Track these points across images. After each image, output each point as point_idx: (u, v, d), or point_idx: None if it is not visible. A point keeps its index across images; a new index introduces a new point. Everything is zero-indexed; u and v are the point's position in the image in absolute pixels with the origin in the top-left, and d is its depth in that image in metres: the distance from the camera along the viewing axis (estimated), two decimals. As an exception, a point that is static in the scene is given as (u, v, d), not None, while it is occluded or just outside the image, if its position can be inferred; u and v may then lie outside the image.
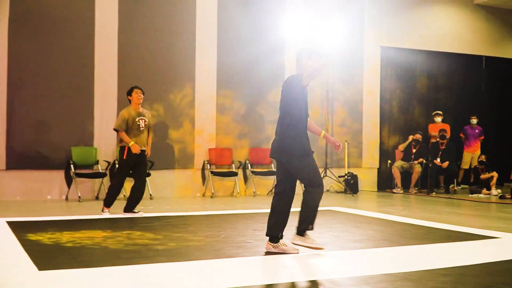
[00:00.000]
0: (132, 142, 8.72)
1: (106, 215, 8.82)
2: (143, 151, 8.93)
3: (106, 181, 11.57)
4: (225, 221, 8.28)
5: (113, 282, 4.57)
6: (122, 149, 8.86)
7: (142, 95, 9.06)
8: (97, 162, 11.63)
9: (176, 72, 12.40)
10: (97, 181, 11.63)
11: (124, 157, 8.81)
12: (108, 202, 9.00)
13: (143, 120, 8.97)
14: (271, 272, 5.07)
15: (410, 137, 14.19)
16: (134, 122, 8.87)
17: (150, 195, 11.68)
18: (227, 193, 12.82)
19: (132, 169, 9.00)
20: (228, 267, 5.19)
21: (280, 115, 6.10)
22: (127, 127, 8.84)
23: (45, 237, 6.59)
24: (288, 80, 6.05)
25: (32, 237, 6.60)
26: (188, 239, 6.62)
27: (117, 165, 9.71)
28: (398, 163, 14.09)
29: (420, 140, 14.12)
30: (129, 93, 9.09)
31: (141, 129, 8.92)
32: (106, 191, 9.29)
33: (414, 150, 14.06)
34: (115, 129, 8.95)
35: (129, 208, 8.94)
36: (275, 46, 13.31)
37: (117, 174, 9.35)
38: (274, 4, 13.33)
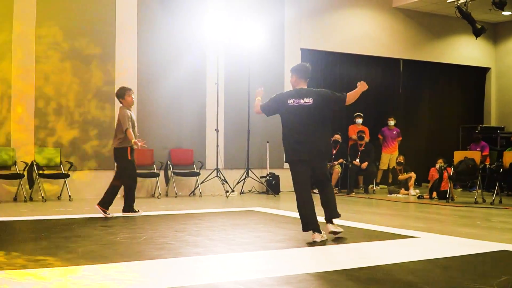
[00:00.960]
0: (135, 139, 8.75)
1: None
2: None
3: (24, 182, 11.31)
4: (146, 222, 8.24)
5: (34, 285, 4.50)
6: (124, 150, 8.87)
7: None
8: (15, 163, 11.35)
9: (96, 73, 12.24)
10: (15, 182, 11.33)
11: (129, 157, 8.92)
12: (130, 205, 9.06)
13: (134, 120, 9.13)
14: (193, 273, 5.08)
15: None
16: (133, 122, 9.02)
17: (70, 196, 11.50)
18: (149, 194, 12.76)
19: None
20: (149, 269, 5.19)
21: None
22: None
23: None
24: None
25: None
26: (109, 241, 6.56)
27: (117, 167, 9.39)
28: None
29: (340, 140, 14.36)
30: (123, 93, 9.06)
31: (135, 128, 9.06)
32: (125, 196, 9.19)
33: (334, 151, 14.29)
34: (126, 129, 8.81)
35: (129, 207, 9.03)
36: (196, 46, 13.31)
37: (130, 175, 9.14)
38: (195, 5, 13.33)
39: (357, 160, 14.14)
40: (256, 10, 13.95)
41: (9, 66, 11.48)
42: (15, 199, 11.30)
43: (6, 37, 11.46)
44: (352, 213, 9.88)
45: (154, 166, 12.57)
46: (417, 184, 14.79)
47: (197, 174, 12.92)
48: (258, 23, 13.59)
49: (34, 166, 11.37)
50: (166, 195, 12.74)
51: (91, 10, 12.28)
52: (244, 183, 13.32)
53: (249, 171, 13.25)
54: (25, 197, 11.24)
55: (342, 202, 11.86)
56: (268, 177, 13.69)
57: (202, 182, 12.88)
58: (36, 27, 11.68)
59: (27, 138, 11.59)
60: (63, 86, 11.95)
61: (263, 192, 13.72)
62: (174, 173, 12.76)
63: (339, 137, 14.37)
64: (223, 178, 12.81)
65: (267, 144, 13.84)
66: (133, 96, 9.17)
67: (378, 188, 15.08)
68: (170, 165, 12.81)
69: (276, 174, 13.78)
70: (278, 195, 13.30)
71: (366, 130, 14.73)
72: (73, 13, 12.10)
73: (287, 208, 10.53)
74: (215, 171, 12.88)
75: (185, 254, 5.84)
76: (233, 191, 13.00)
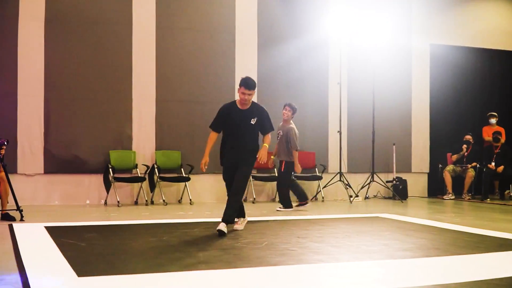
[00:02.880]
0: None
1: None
2: None
3: (146, 185, 11.70)
4: (267, 228, 8.29)
5: (153, 290, 4.63)
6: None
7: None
8: (135, 166, 11.76)
9: (215, 73, 12.48)
10: (136, 185, 11.75)
11: None
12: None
13: None
14: (315, 281, 5.06)
15: (464, 147, 13.96)
16: None
17: (190, 200, 11.76)
18: (270, 198, 12.86)
19: None
20: (270, 275, 5.22)
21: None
22: None
23: (84, 243, 6.69)
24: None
25: (71, 242, 6.71)
26: (229, 245, 6.65)
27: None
28: (450, 167, 13.93)
29: (471, 141, 13.93)
30: None
31: None
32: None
33: (466, 153, 13.88)
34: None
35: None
36: (317, 46, 13.30)
37: None
38: (316, 3, 13.32)
39: (492, 163, 13.65)
40: (380, 5, 13.76)
41: (129, 76, 11.91)
42: (136, 203, 11.69)
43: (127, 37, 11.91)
44: (487, 220, 9.55)
45: (275, 169, 12.64)
46: (560, 189, 14.15)
47: (319, 178, 12.89)
48: (383, 19, 13.40)
49: (155, 169, 11.72)
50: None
51: (212, 10, 12.54)
52: (369, 187, 13.17)
53: (374, 175, 13.07)
54: (146, 201, 11.61)
55: (475, 209, 11.54)
56: (394, 181, 13.46)
57: (324, 187, 12.83)
58: (156, 34, 12.07)
59: (148, 141, 11.98)
60: (181, 89, 12.24)
61: (389, 198, 13.52)
62: (295, 177, 12.76)
63: (470, 138, 13.94)
64: (347, 183, 12.71)
65: (394, 146, 13.61)
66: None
67: (515, 193, 14.56)
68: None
69: (403, 178, 13.53)
70: (405, 200, 13.05)
71: (502, 130, 14.20)
72: (193, 13, 12.39)
73: (415, 215, 10.31)
74: (338, 175, 12.79)
75: (307, 261, 5.83)
76: (357, 196, 12.88)
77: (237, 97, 12.24)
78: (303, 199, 10.92)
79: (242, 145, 7.66)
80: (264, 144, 7.72)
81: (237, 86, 12.33)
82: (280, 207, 10.73)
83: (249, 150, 7.67)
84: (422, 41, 14.43)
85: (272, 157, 10.68)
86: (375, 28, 13.27)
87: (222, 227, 7.38)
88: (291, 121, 10.70)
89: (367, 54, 13.52)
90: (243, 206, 8.04)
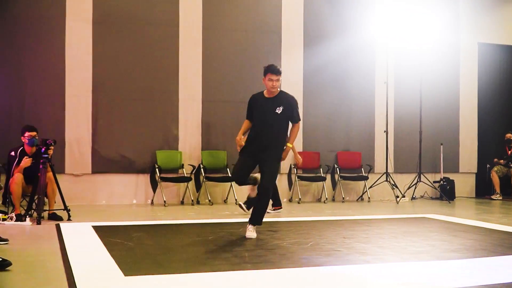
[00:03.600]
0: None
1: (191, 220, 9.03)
2: None
3: (192, 185, 11.78)
4: (313, 228, 8.27)
5: (199, 289, 4.65)
6: None
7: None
8: (182, 166, 11.83)
9: (261, 73, 12.45)
10: (182, 185, 11.83)
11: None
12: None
13: None
14: (362, 282, 5.02)
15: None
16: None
17: (236, 200, 11.79)
18: (316, 198, 12.83)
19: None
20: (315, 276, 5.21)
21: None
22: None
23: (131, 242, 6.77)
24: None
25: (118, 241, 6.79)
26: (275, 246, 6.65)
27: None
28: (497, 167, 13.72)
29: None
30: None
31: None
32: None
33: (509, 152, 13.68)
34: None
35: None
36: (364, 44, 13.23)
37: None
38: (363, 1, 13.24)
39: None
40: (427, 4, 13.59)
41: (175, 76, 12.00)
42: (182, 202, 11.76)
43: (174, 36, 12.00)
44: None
45: (321, 169, 12.60)
46: None
47: (366, 178, 12.81)
48: (430, 17, 13.24)
49: (201, 169, 11.78)
50: (333, 200, 12.75)
51: (258, 11, 12.56)
52: (415, 188, 13.04)
53: (421, 176, 12.94)
54: (192, 200, 11.68)
55: (525, 210, 11.35)
56: (442, 182, 13.31)
57: (370, 187, 12.75)
58: (202, 34, 12.15)
59: (194, 141, 12.05)
60: (227, 89, 12.29)
61: (436, 198, 13.37)
62: (341, 177, 12.71)
63: (510, 135, 13.71)
64: (393, 183, 12.61)
65: (441, 146, 13.46)
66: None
67: None
68: (337, 169, 12.80)
69: (450, 178, 13.37)
70: (453, 201, 12.89)
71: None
72: (239, 14, 12.43)
73: (463, 215, 10.18)
74: (385, 175, 12.71)
75: (354, 261, 5.80)
76: (403, 196, 12.77)
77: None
78: (278, 203, 10.44)
79: (265, 136, 7.26)
80: (288, 145, 7.46)
81: (284, 85, 12.44)
82: (270, 209, 10.02)
83: (273, 144, 7.28)
84: (470, 40, 14.23)
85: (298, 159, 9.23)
86: (422, 26, 13.12)
87: (252, 234, 7.24)
88: None
89: (414, 53, 13.39)
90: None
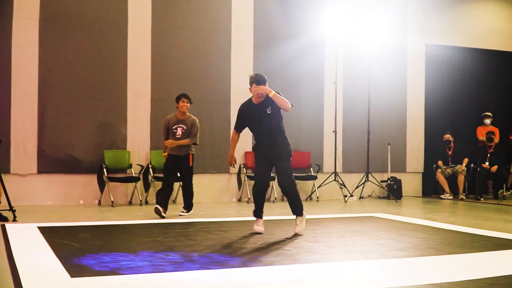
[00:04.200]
0: (164, 153, 9.77)
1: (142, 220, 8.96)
2: (180, 157, 9.67)
3: (140, 185, 11.69)
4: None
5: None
6: None
7: (187, 104, 9.71)
8: (130, 166, 11.73)
9: (211, 73, 12.46)
10: (131, 185, 11.74)
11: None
12: (157, 201, 9.63)
13: (181, 128, 9.66)
14: (310, 281, 5.05)
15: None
16: (171, 130, 9.68)
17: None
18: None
19: (172, 173, 9.81)
20: (264, 275, 5.21)
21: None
22: (168, 134, 9.71)
23: (77, 243, 6.68)
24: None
25: (64, 242, 6.70)
26: (224, 245, 6.64)
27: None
28: (440, 169, 13.92)
29: (451, 139, 13.96)
30: (177, 100, 9.76)
31: (177, 136, 9.64)
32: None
33: (450, 152, 13.91)
34: None
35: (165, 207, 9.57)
36: (313, 45, 13.30)
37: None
38: (313, 2, 13.32)
39: (486, 163, 13.67)
40: (376, 5, 13.74)
41: (124, 75, 11.88)
42: (130, 203, 11.67)
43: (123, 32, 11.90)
44: (481, 220, 9.58)
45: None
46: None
47: (314, 177, 12.89)
48: (379, 19, 13.39)
49: (150, 169, 11.70)
50: (282, 200, 12.78)
51: (208, 10, 12.51)
52: (363, 187, 13.17)
53: (369, 175, 13.08)
54: (140, 201, 11.59)
55: (470, 209, 11.56)
56: (389, 181, 13.47)
57: (319, 186, 12.84)
58: (151, 33, 12.06)
59: (143, 141, 11.95)
60: (177, 89, 12.22)
61: (383, 197, 13.53)
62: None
63: (450, 137, 13.94)
64: (342, 182, 12.72)
65: (389, 146, 13.62)
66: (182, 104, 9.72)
67: (509, 193, 14.56)
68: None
69: (398, 178, 13.54)
70: (400, 200, 13.06)
71: (496, 130, 14.23)
72: (188, 12, 12.37)
73: (410, 214, 10.33)
74: (333, 174, 12.80)
75: (302, 260, 5.83)
76: (352, 196, 12.89)
77: (234, 95, 12.40)
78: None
79: (267, 137, 7.69)
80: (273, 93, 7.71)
81: (233, 85, 12.51)
82: (184, 211, 9.84)
83: (277, 143, 7.69)
84: (418, 41, 14.43)
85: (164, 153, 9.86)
86: (371, 27, 13.27)
87: (301, 228, 7.74)
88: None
89: (363, 54, 13.52)
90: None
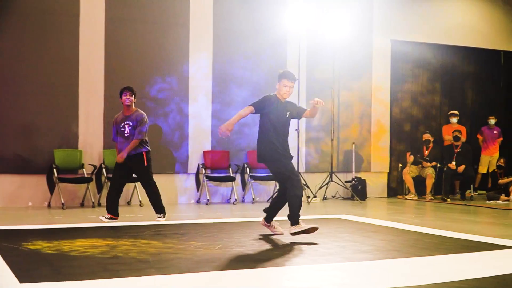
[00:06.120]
0: (118, 156, 9.08)
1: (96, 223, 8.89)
2: (131, 157, 9.05)
3: (92, 186, 11.59)
4: (222, 230, 8.29)
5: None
6: None
7: (130, 97, 9.09)
8: (82, 166, 11.63)
9: (168, 68, 12.41)
10: (82, 186, 11.64)
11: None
12: (107, 207, 9.16)
13: (127, 125, 9.07)
14: (272, 285, 5.08)
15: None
16: (119, 128, 9.11)
17: (140, 201, 11.70)
18: (225, 199, 12.86)
19: (126, 175, 9.29)
20: (223, 279, 5.22)
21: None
22: (117, 134, 9.16)
23: (26, 247, 6.61)
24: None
25: (12, 247, 6.62)
26: (182, 249, 6.63)
27: None
28: (409, 167, 14.07)
29: (431, 139, 14.11)
30: (120, 95, 9.19)
31: (126, 135, 9.06)
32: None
33: (426, 152, 14.06)
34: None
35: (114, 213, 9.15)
36: (275, 41, 13.34)
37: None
38: (275, -4, 13.38)
39: (453, 163, 13.85)
40: (340, 0, 13.83)
41: (76, 70, 11.78)
42: (82, 205, 11.58)
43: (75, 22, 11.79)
44: (448, 221, 9.72)
45: (230, 169, 12.64)
46: (520, 189, 14.41)
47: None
48: (343, 14, 13.48)
49: (103, 169, 11.62)
50: (243, 201, 12.81)
51: (165, 2, 12.45)
52: (327, 188, 13.26)
53: (333, 175, 13.17)
54: (92, 202, 11.50)
55: (436, 210, 11.72)
56: (353, 181, 13.58)
57: (281, 187, 12.86)
58: (104, 26, 11.98)
59: (95, 140, 11.86)
60: (132, 84, 12.16)
61: (348, 198, 13.63)
62: (251, 177, 12.79)
63: (429, 136, 14.12)
64: (305, 183, 12.77)
65: (353, 146, 13.73)
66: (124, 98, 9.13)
67: (476, 193, 14.79)
68: (247, 168, 12.87)
69: (362, 178, 13.66)
70: (364, 201, 13.18)
71: (463, 129, 14.43)
72: (144, 4, 12.31)
73: (375, 215, 10.43)
74: (296, 175, 12.83)
75: (263, 264, 5.85)
76: (315, 196, 12.96)
77: (193, 92, 12.38)
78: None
79: (282, 138, 7.77)
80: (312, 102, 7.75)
81: (191, 82, 12.47)
82: (160, 216, 9.28)
83: (287, 145, 7.84)
84: (383, 37, 14.57)
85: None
86: (335, 23, 13.34)
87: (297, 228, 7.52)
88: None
89: (327, 50, 13.60)
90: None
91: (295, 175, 7.64)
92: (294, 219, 7.47)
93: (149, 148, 9.19)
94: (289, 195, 7.58)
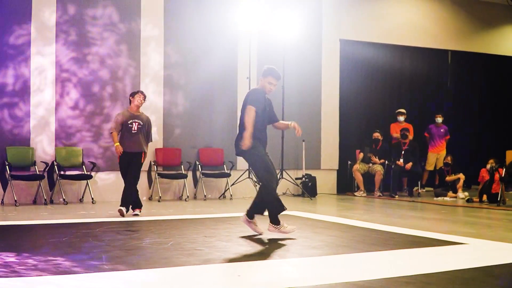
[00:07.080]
0: (117, 143, 9.61)
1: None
2: (134, 154, 9.63)
3: (44, 183, 11.47)
4: (173, 227, 8.31)
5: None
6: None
7: (143, 100, 9.82)
8: (34, 164, 11.51)
9: (118, 65, 12.36)
10: (35, 184, 11.51)
11: (118, 159, 9.83)
12: (122, 202, 9.63)
13: (136, 123, 9.66)
14: (223, 281, 5.12)
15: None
16: (127, 125, 9.58)
17: (92, 199, 11.64)
18: (177, 196, 12.86)
19: (126, 169, 9.74)
20: (177, 276, 5.25)
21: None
22: (122, 129, 9.58)
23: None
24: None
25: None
26: (134, 246, 6.64)
27: None
28: (358, 164, 14.23)
29: (380, 138, 14.28)
30: (132, 94, 9.82)
31: (133, 131, 9.61)
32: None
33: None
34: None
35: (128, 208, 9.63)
36: (226, 39, 13.36)
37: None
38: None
39: (401, 160, 14.01)
40: (292, 0, 13.93)
41: (27, 62, 11.63)
42: (34, 202, 11.47)
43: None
44: (396, 217, 9.85)
45: (182, 166, 12.64)
46: (466, 186, 14.65)
47: (228, 175, 12.97)
48: (293, 13, 13.55)
49: (55, 166, 11.53)
50: (195, 198, 12.82)
51: None
52: (277, 185, 13.30)
53: (284, 172, 13.24)
54: (45, 200, 11.39)
55: (384, 206, 11.87)
56: (304, 178, 13.67)
57: (233, 184, 12.91)
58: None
59: (48, 136, 11.73)
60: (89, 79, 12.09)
61: (298, 195, 13.71)
62: (203, 174, 12.80)
63: (378, 135, 14.28)
64: (256, 180, 12.83)
65: (303, 143, 13.81)
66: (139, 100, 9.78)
67: (424, 190, 15.00)
68: (199, 166, 12.88)
69: (312, 175, 13.76)
70: (314, 198, 13.28)
71: (410, 127, 14.62)
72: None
73: (325, 212, 10.53)
74: (247, 172, 12.91)
75: (215, 261, 5.88)
76: (266, 193, 13.00)
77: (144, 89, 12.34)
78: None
79: (264, 132, 7.93)
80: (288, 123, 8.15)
81: (143, 82, 12.42)
82: (139, 210, 9.82)
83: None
84: (332, 36, 14.69)
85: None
86: (285, 22, 13.39)
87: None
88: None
89: (277, 49, 13.62)
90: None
91: (274, 176, 8.03)
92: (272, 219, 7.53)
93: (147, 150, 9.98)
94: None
